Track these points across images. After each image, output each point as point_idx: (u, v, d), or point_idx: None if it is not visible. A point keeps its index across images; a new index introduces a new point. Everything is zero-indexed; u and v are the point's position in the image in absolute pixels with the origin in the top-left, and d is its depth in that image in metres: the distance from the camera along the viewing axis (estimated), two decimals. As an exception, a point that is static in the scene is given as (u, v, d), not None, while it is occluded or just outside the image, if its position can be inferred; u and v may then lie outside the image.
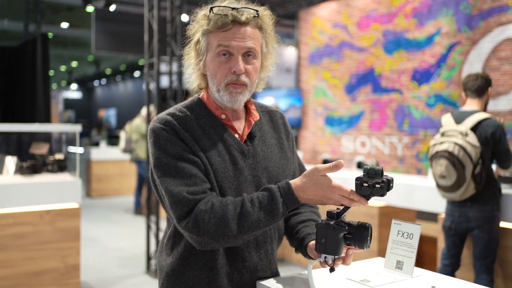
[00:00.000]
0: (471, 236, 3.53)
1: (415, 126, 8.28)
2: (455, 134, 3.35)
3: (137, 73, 22.48)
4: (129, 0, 11.23)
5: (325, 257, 1.37)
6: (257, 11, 1.43)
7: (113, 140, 13.12)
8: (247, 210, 1.32)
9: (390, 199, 4.46)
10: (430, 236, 4.72)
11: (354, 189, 1.31)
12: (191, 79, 1.53)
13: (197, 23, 1.47)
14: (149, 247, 5.06)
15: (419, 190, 4.28)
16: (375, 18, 9.04)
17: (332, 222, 1.34)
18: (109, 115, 26.20)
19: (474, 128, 3.34)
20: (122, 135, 8.17)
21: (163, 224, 5.42)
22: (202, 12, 1.46)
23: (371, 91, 9.12)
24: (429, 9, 8.00)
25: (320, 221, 1.36)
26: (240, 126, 1.54)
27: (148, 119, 5.26)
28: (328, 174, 1.33)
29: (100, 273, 5.05)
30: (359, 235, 1.34)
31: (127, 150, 8.16)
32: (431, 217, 5.18)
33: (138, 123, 7.94)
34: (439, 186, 3.49)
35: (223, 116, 1.51)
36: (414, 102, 8.28)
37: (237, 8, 1.40)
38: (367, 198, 1.31)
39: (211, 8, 1.42)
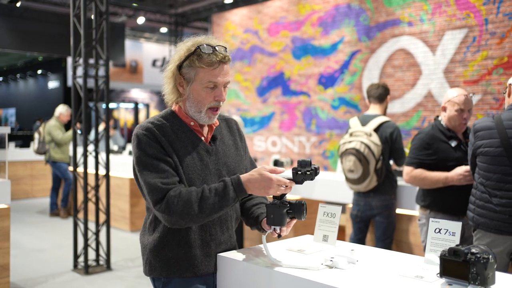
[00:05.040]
0: (374, 221, 4.13)
1: (322, 126, 9.00)
2: (361, 134, 3.93)
3: (39, 71, 21.49)
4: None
5: (274, 228, 1.79)
6: (226, 48, 1.84)
7: (17, 141, 12.60)
8: (206, 195, 1.73)
9: (305, 192, 4.98)
10: (339, 225, 5.30)
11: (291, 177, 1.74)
12: (167, 94, 1.90)
13: (178, 53, 1.84)
14: (77, 245, 5.17)
15: (330, 184, 4.84)
16: (284, 25, 9.65)
17: (277, 202, 1.76)
18: (8, 114, 24.79)
19: (376, 130, 3.94)
20: (36, 135, 8.01)
21: (91, 225, 5.54)
22: (185, 46, 1.82)
23: (281, 94, 9.72)
24: (333, 19, 8.74)
25: (269, 202, 1.78)
26: (205, 130, 1.94)
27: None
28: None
29: (26, 273, 5.07)
30: (297, 209, 1.77)
31: (40, 151, 8.00)
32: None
33: (52, 124, 7.82)
34: (347, 179, 4.05)
35: (192, 123, 1.90)
36: (320, 104, 8.99)
37: (216, 48, 1.79)
38: (301, 182, 1.74)
39: (198, 47, 1.79)
